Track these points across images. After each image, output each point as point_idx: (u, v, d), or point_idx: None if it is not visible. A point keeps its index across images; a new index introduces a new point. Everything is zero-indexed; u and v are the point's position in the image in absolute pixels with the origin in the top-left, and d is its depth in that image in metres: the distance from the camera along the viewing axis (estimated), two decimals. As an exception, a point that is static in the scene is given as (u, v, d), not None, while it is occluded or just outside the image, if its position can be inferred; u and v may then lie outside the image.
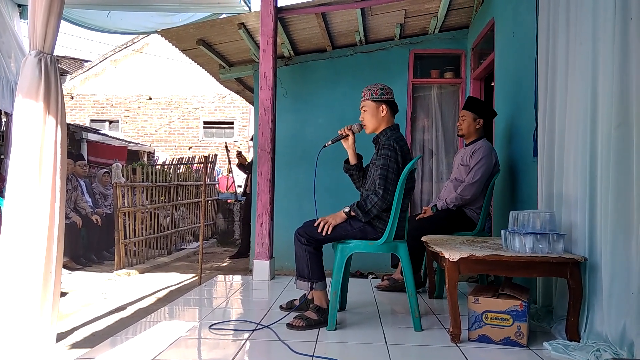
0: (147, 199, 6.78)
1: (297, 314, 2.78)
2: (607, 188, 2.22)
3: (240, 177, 11.28)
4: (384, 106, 2.83)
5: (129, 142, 12.73)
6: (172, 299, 3.97)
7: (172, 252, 7.31)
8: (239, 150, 7.87)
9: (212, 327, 2.71)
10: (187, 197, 8.17)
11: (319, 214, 2.86)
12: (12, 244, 2.39)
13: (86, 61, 16.07)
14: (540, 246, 2.38)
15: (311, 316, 2.70)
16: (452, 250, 2.45)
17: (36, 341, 2.40)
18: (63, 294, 4.27)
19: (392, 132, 2.82)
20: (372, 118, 2.85)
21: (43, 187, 2.45)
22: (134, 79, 15.54)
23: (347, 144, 2.92)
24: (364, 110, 2.88)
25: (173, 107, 15.66)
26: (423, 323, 2.72)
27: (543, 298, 2.91)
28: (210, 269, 6.10)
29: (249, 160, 7.95)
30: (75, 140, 9.61)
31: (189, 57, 5.85)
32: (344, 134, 2.90)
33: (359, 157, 2.98)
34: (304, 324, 2.66)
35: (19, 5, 5.82)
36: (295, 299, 3.08)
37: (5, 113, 5.97)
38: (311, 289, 2.74)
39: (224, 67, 6.01)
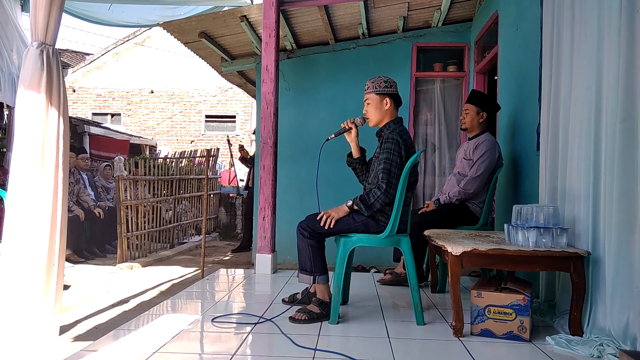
0: (149, 193, 6.78)
1: (300, 307, 2.79)
2: (611, 182, 2.20)
3: (242, 171, 11.29)
4: (387, 99, 2.82)
5: (131, 135, 12.74)
6: (175, 292, 3.98)
7: (174, 246, 7.32)
8: (241, 144, 7.86)
9: (215, 320, 2.71)
10: (189, 191, 8.17)
11: (321, 207, 2.85)
12: (15, 237, 2.39)
13: (88, 54, 16.07)
14: (544, 240, 2.37)
15: (313, 309, 2.70)
16: (455, 244, 2.44)
17: (39, 333, 2.41)
18: (66, 287, 4.28)
19: (395, 126, 2.80)
20: (375, 111, 2.84)
21: (45, 180, 2.45)
22: (136, 72, 15.52)
23: (350, 137, 2.92)
24: (368, 103, 2.86)
25: (175, 101, 15.65)
26: (425, 317, 2.72)
27: (546, 292, 2.90)
28: (212, 262, 6.11)
29: (250, 154, 7.95)
30: (77, 133, 9.62)
31: (191, 50, 5.83)
32: (347, 127, 2.89)
33: (362, 150, 2.97)
34: (306, 317, 2.66)
35: (21, -2, 5.81)
36: (298, 293, 3.08)
37: (8, 106, 5.97)
38: (313, 282, 2.73)
39: (226, 60, 5.99)
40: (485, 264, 2.53)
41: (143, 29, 14.65)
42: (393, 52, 5.50)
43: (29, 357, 2.36)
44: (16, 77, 5.70)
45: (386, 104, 2.82)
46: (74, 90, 15.60)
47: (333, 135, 2.93)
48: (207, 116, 15.62)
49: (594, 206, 2.36)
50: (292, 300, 3.05)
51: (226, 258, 6.58)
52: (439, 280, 3.48)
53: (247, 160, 7.53)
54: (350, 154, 2.98)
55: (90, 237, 6.36)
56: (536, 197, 3.10)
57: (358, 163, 2.95)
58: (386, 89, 2.82)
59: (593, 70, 2.35)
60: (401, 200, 2.65)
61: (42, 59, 2.47)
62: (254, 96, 8.58)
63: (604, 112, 2.27)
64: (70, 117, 8.53)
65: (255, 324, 2.65)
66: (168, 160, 9.83)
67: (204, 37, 5.16)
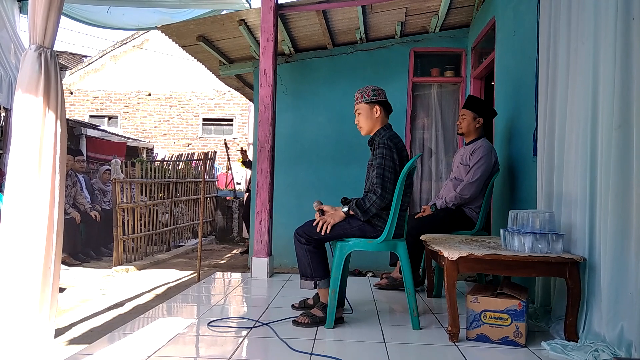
0: (145, 195, 6.77)
1: (303, 311, 2.80)
2: (607, 188, 2.21)
3: (239, 174, 11.30)
4: (377, 107, 2.83)
5: (128, 138, 12.72)
6: (171, 295, 3.97)
7: (170, 249, 7.31)
8: (244, 148, 7.87)
9: (211, 324, 2.71)
10: (186, 194, 8.16)
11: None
12: (12, 240, 2.38)
13: (85, 57, 16.07)
14: (540, 246, 2.38)
15: (317, 314, 2.72)
16: (451, 249, 2.45)
17: (34, 336, 2.40)
18: (61, 290, 4.27)
19: (385, 132, 2.82)
20: (366, 120, 2.85)
21: (42, 183, 2.44)
22: (134, 75, 15.50)
23: (335, 219, 2.75)
24: (358, 113, 2.88)
25: (172, 104, 15.63)
26: (421, 322, 2.72)
27: (542, 298, 2.91)
28: (208, 266, 6.09)
29: (250, 157, 7.97)
30: (74, 135, 9.60)
31: (189, 54, 5.83)
32: (318, 212, 2.81)
33: (343, 203, 2.81)
34: (309, 321, 2.68)
35: (19, 0, 5.81)
36: (309, 298, 3.07)
37: (4, 108, 5.96)
38: (315, 287, 2.74)
39: (224, 64, 6.00)
40: (481, 269, 2.54)
41: (141, 32, 14.65)
42: (390, 57, 5.52)
43: (24, 360, 2.35)
44: (13, 80, 5.69)
45: (376, 112, 2.83)
46: (71, 93, 15.57)
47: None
48: (204, 119, 15.60)
49: (590, 212, 2.37)
50: (302, 306, 3.04)
51: (222, 261, 6.57)
52: (435, 285, 3.48)
53: (246, 163, 7.58)
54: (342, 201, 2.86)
55: (86, 240, 6.34)
56: (532, 202, 3.11)
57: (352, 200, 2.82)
58: (375, 97, 2.84)
59: (589, 76, 2.36)
60: (398, 204, 2.65)
61: (40, 61, 2.46)
62: (251, 100, 8.59)
63: (600, 118, 2.29)
64: (67, 120, 8.51)
65: (251, 327, 2.65)
66: (165, 163, 9.80)
67: (202, 40, 5.17)
